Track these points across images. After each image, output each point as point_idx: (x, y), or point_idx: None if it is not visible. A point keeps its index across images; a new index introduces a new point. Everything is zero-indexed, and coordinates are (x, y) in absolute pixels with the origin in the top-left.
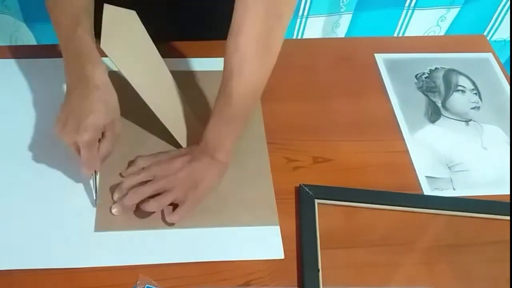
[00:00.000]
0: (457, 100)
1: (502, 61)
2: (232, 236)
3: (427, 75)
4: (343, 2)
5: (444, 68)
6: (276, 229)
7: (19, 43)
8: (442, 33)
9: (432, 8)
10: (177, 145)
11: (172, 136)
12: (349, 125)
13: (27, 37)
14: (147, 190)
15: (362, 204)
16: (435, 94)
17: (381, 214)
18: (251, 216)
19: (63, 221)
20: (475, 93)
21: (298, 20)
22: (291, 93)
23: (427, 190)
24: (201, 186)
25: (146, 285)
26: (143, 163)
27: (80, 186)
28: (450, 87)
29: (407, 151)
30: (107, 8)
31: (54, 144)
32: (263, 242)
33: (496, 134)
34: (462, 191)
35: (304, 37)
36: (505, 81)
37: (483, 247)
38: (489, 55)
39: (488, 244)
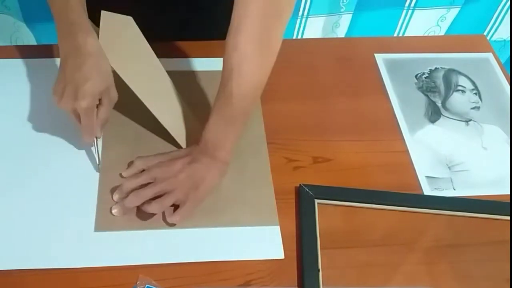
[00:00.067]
0: (457, 100)
1: (502, 61)
2: (232, 236)
3: (427, 75)
4: (343, 2)
5: (444, 68)
6: (276, 229)
7: (19, 43)
8: (442, 33)
9: (432, 8)
10: (177, 145)
11: (172, 137)
12: (349, 125)
13: (27, 37)
14: (149, 192)
15: (362, 204)
16: (435, 94)
17: (381, 214)
18: (251, 216)
19: (63, 221)
20: (475, 93)
21: (298, 20)
22: (291, 93)
23: (427, 190)
24: (202, 187)
25: (146, 285)
26: (142, 164)
27: (80, 186)
28: (450, 87)
29: (407, 151)
30: (104, 14)
31: (54, 144)
32: (263, 242)
33: (496, 134)
34: (462, 191)
35: (304, 37)
36: (505, 81)
37: (483, 247)
38: (489, 55)
39: (488, 244)
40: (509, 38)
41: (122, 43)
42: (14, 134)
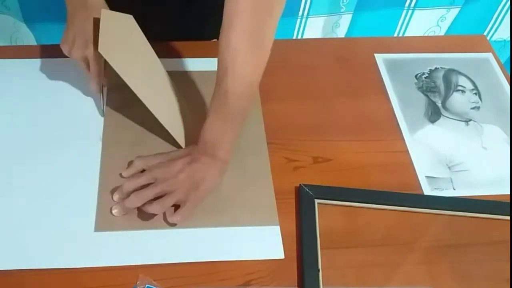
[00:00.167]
0: (457, 100)
1: (502, 61)
2: (232, 236)
3: (427, 75)
4: (343, 2)
5: (444, 68)
6: (276, 229)
7: (19, 43)
8: (442, 33)
9: (432, 8)
10: (176, 145)
11: (172, 136)
12: (349, 125)
13: (27, 37)
14: (149, 193)
15: (362, 204)
16: (435, 94)
17: (381, 214)
18: (251, 216)
19: (63, 221)
20: (475, 93)
21: (298, 20)
22: (291, 93)
23: (427, 190)
24: (202, 187)
25: (146, 285)
26: (142, 164)
27: (80, 186)
28: (450, 87)
29: (407, 151)
30: (105, 13)
31: (54, 143)
32: (263, 242)
33: (496, 134)
34: (462, 191)
35: (304, 37)
36: (505, 81)
37: (483, 247)
38: (489, 55)
39: (488, 244)
40: (509, 38)
41: (122, 41)
42: (14, 134)
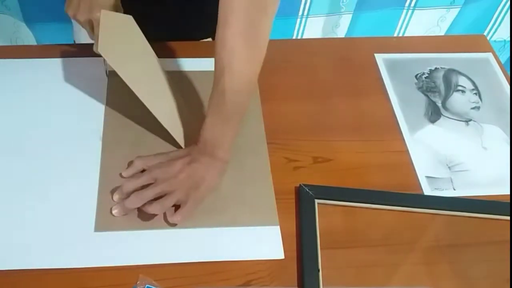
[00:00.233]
0: (457, 100)
1: (502, 61)
2: (232, 236)
3: (427, 75)
4: (343, 2)
5: (444, 68)
6: (276, 229)
7: (19, 43)
8: (442, 33)
9: (432, 8)
10: (176, 145)
11: (172, 136)
12: (349, 125)
13: (27, 37)
14: (150, 193)
15: (362, 204)
16: (435, 94)
17: (381, 214)
18: (251, 216)
19: (63, 221)
20: (475, 93)
21: (298, 20)
22: (291, 93)
23: (427, 190)
24: (202, 186)
25: (146, 285)
26: (142, 164)
27: (80, 186)
28: (450, 87)
29: (407, 151)
30: (104, 13)
31: (54, 143)
32: (263, 242)
33: (496, 134)
34: (462, 191)
35: (304, 37)
36: (505, 81)
37: (483, 247)
38: (489, 55)
39: (488, 244)
40: (509, 38)
41: (121, 42)
42: (13, 134)
